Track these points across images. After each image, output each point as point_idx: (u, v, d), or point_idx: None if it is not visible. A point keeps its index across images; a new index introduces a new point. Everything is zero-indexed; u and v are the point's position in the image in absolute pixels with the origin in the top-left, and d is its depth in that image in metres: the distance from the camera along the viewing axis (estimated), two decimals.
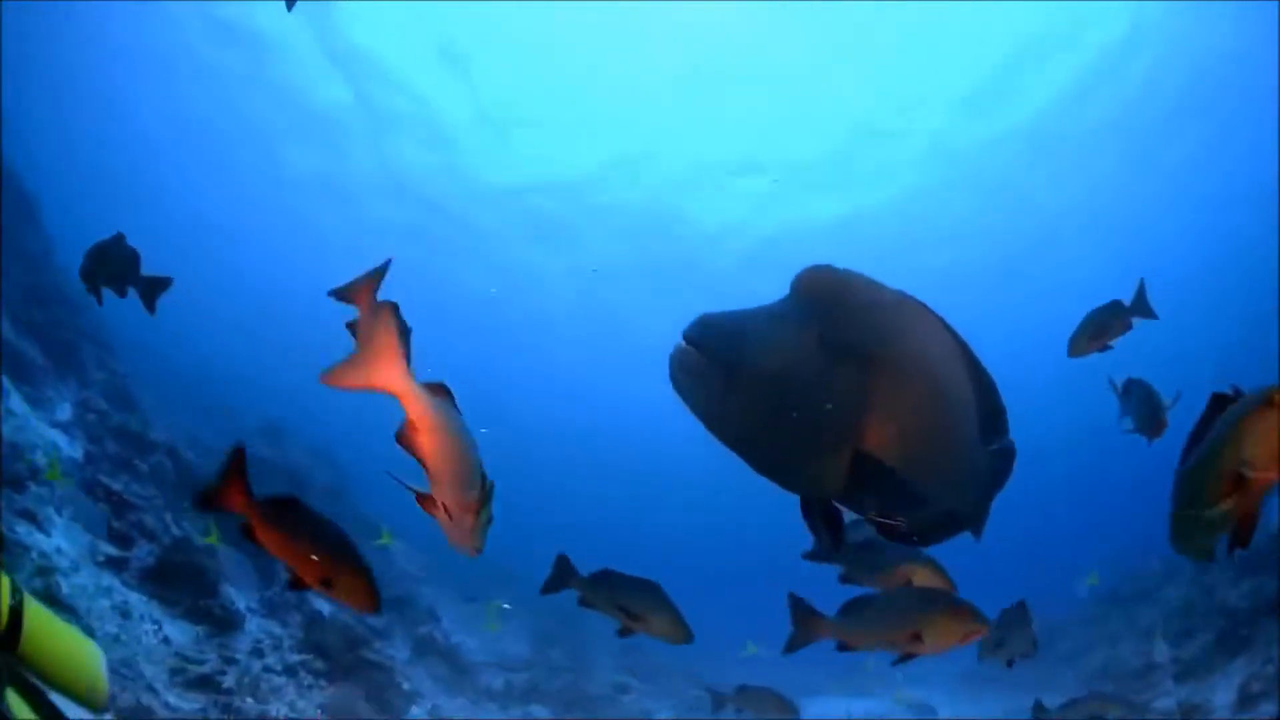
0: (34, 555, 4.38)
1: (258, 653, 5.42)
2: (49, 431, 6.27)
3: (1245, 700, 5.80)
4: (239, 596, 6.41)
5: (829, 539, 1.61)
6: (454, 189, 16.40)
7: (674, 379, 1.38)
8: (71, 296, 8.07)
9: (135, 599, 5.07)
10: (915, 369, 1.50)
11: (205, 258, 18.59)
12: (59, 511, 5.19)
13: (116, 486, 5.91)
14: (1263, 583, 6.70)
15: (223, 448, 7.18)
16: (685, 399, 1.38)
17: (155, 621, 4.90)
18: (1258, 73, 12.36)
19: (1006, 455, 1.82)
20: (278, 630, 6.21)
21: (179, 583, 5.52)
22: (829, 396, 1.40)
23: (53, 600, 4.15)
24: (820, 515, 1.55)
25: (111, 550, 5.31)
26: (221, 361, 15.08)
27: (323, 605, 7.44)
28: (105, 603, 4.70)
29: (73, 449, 6.32)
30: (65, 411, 6.84)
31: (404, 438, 1.64)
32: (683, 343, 1.37)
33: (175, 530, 6.05)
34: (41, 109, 12.12)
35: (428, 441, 1.63)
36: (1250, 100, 13.13)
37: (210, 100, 13.81)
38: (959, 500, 1.72)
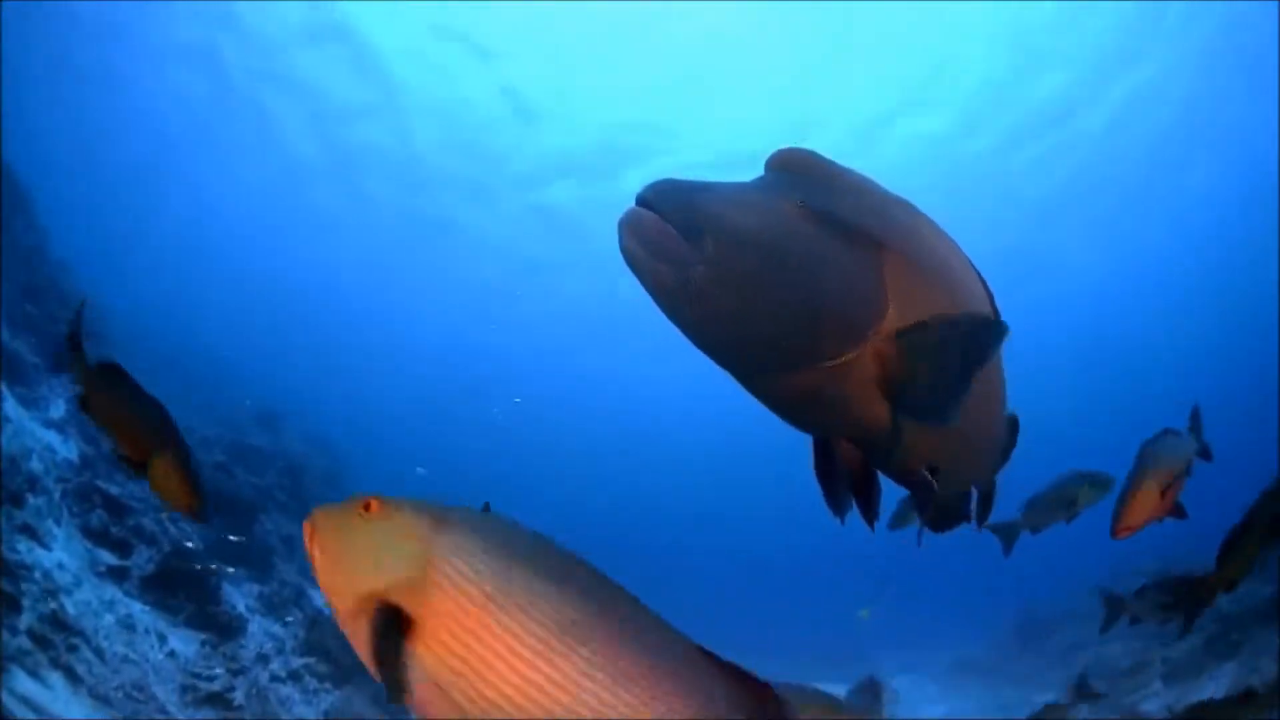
0: (37, 576, 4.37)
1: (262, 659, 5.46)
2: (44, 433, 6.22)
3: None
4: (238, 596, 6.44)
5: (861, 503, 1.34)
6: (469, 175, 16.28)
7: (625, 249, 1.10)
8: (65, 289, 7.98)
9: (138, 609, 5.08)
10: (936, 271, 1.23)
11: (201, 244, 18.44)
12: (58, 523, 5.18)
13: (113, 490, 5.88)
14: (1253, 588, 6.80)
15: (218, 436, 7.15)
16: (640, 274, 1.11)
17: (161, 635, 4.92)
18: (1259, 90, 12.54)
19: (1013, 423, 1.61)
20: (279, 630, 6.24)
21: (180, 588, 5.55)
22: (829, 270, 1.13)
23: (60, 624, 4.16)
24: (841, 469, 1.30)
25: (111, 559, 5.31)
26: (217, 349, 14.98)
27: (321, 602, 7.47)
28: (110, 618, 4.71)
29: (67, 449, 6.27)
30: (59, 409, 6.77)
31: None
32: (635, 205, 1.12)
33: (173, 531, 6.06)
34: (33, 96, 11.89)
35: None
36: (1251, 115, 13.31)
37: (207, 82, 13.56)
38: (981, 464, 1.49)
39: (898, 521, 4.37)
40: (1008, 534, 3.75)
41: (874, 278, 1.16)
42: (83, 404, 2.00)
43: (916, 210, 1.33)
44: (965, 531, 1.69)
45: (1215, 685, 6.32)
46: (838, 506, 1.33)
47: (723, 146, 14.20)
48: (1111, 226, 16.87)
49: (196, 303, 17.79)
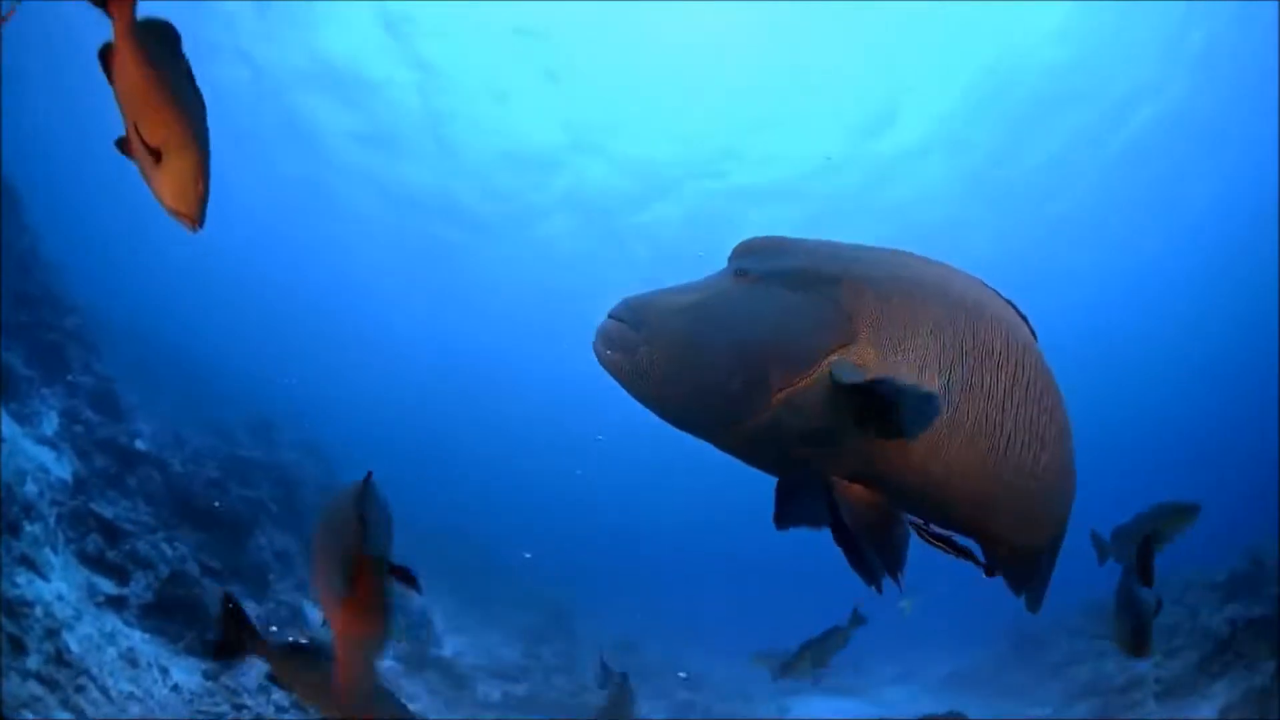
0: (39, 612, 4.29)
1: (264, 689, 5.41)
2: (37, 451, 6.12)
3: None
4: None
5: (883, 553, 1.26)
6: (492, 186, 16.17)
7: (596, 352, 1.28)
8: (56, 294, 7.85)
9: (138, 639, 5.01)
10: (913, 287, 1.25)
11: (192, 250, 18.17)
12: (55, 550, 5.10)
13: (108, 514, 5.80)
14: (1247, 607, 6.84)
15: (212, 449, 7.05)
16: (604, 366, 1.28)
17: (163, 668, 4.86)
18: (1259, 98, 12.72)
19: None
20: None
21: (178, 615, 5.47)
22: (764, 313, 1.22)
23: (65, 663, 4.09)
24: (851, 520, 1.25)
25: (109, 587, 5.23)
26: (210, 356, 14.80)
27: (318, 621, 7.42)
28: (113, 651, 4.64)
29: (61, 468, 6.18)
30: (52, 423, 6.68)
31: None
32: (607, 318, 1.30)
33: (167, 550, 5.99)
34: (24, 94, 11.65)
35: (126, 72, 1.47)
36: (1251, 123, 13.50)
37: (211, 84, 13.38)
38: (1031, 510, 1.35)
39: (788, 670, 4.30)
40: (1101, 550, 3.67)
41: (826, 308, 1.22)
42: (277, 682, 2.01)
43: (896, 250, 1.33)
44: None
45: (1208, 705, 6.37)
46: (867, 572, 1.27)
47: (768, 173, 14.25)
48: (1123, 242, 17.14)
49: (189, 308, 17.60)
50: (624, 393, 1.29)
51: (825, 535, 1.31)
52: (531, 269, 18.48)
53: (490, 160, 15.36)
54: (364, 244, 17.98)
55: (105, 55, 1.50)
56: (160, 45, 1.50)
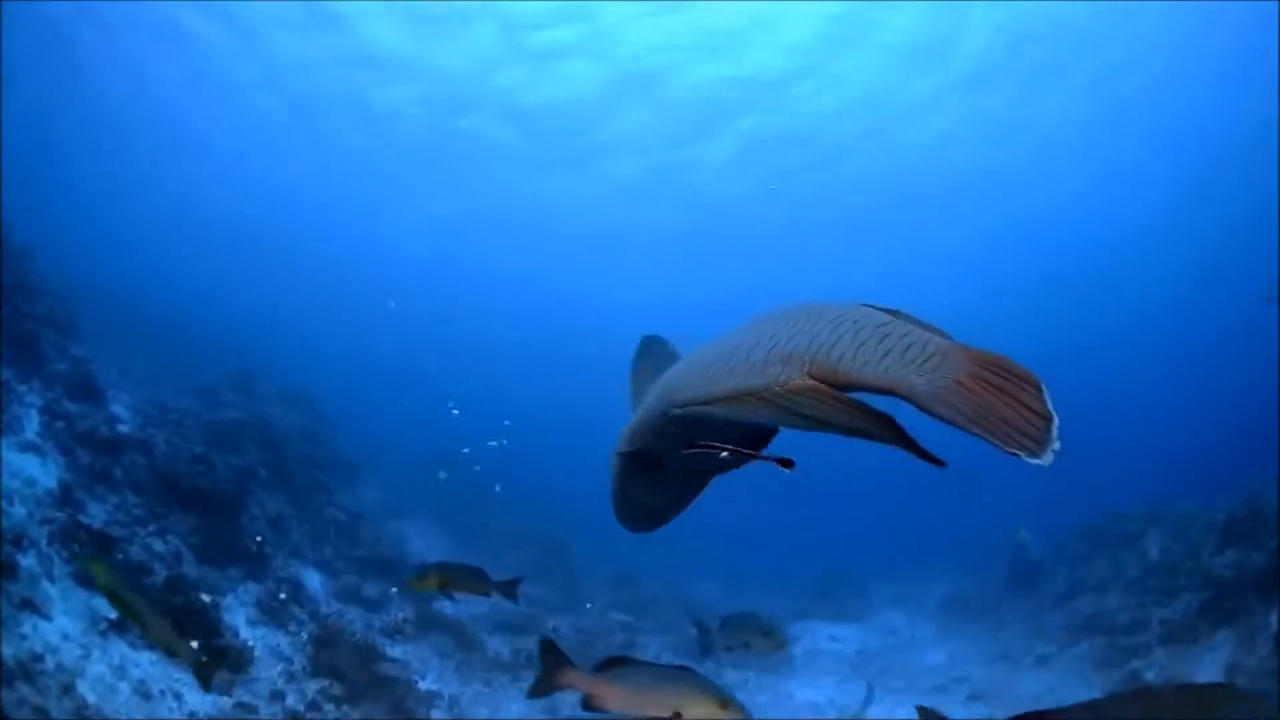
0: (50, 666, 4.19)
1: (277, 695, 5.41)
2: (21, 461, 5.90)
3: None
4: (238, 609, 6.33)
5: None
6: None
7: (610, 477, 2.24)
8: (27, 279, 7.47)
9: (147, 664, 4.95)
10: (691, 358, 1.91)
11: (162, 197, 17.29)
12: (51, 580, 4.97)
13: (98, 523, 5.65)
14: (1246, 554, 6.81)
15: (194, 416, 6.76)
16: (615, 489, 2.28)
17: (176, 694, 4.82)
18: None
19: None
20: (285, 645, 6.17)
21: (181, 622, 5.39)
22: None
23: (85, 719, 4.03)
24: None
25: (109, 609, 5.12)
26: (185, 308, 14.29)
27: (316, 589, 7.42)
28: (125, 688, 4.58)
29: (47, 475, 5.97)
30: (33, 423, 6.43)
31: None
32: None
33: (160, 547, 5.90)
34: None
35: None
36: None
37: (176, 22, 12.38)
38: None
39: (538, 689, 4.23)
40: None
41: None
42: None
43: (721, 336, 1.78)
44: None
45: (1212, 656, 6.45)
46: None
47: None
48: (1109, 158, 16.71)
49: (163, 259, 16.95)
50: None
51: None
52: (519, 196, 17.82)
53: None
54: (339, 169, 17.22)
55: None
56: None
